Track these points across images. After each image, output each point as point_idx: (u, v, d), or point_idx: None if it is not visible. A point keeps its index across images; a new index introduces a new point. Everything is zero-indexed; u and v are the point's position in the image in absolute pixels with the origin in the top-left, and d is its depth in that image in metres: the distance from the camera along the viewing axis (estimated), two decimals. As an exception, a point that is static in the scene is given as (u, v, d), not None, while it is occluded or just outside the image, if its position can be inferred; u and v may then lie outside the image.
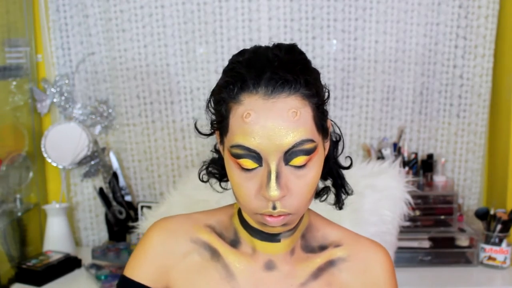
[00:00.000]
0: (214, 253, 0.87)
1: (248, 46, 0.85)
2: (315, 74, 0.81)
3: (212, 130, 0.84)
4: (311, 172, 0.76)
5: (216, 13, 1.96)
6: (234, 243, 0.88)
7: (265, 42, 1.97)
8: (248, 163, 0.75)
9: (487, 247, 1.80)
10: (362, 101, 2.03)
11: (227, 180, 0.91)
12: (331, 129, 0.84)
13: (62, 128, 1.99)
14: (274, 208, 0.75)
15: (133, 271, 0.88)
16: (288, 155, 0.74)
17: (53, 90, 2.02)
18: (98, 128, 2.06)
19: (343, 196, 0.93)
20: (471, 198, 2.09)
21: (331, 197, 0.94)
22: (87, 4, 1.98)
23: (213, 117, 0.82)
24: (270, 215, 0.76)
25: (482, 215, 1.85)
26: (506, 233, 1.80)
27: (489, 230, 1.82)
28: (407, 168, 1.93)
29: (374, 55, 1.99)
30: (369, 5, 1.96)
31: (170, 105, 2.02)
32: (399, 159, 1.76)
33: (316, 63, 1.99)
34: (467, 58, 2.00)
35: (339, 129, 0.90)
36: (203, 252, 0.88)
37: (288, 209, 0.76)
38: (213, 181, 0.94)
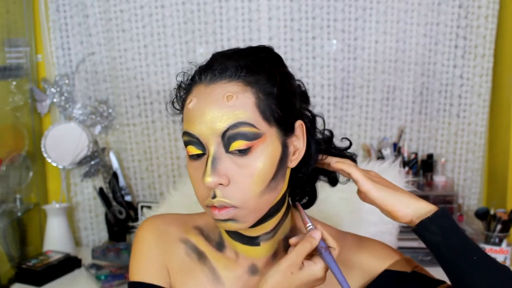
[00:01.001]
0: (201, 256, 0.87)
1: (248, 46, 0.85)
2: (275, 67, 0.79)
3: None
4: (256, 162, 0.74)
5: (216, 13, 1.96)
6: (220, 246, 0.88)
7: (265, 42, 1.97)
8: (191, 149, 0.76)
9: (487, 247, 1.80)
10: (362, 101, 2.03)
11: None
12: (301, 129, 0.81)
13: (62, 128, 1.99)
14: (214, 196, 0.74)
15: (140, 274, 0.87)
16: (226, 140, 0.73)
17: (53, 90, 2.02)
18: (98, 128, 2.06)
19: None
20: (471, 198, 2.09)
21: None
22: (87, 4, 1.98)
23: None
24: (214, 207, 0.75)
25: (482, 215, 1.85)
26: (506, 233, 1.80)
27: (489, 230, 1.82)
28: (407, 168, 1.93)
29: (374, 55, 1.99)
30: (369, 5, 1.96)
31: (170, 105, 2.02)
32: (399, 159, 1.76)
33: (316, 63, 1.99)
34: (467, 58, 2.00)
35: (330, 133, 0.88)
36: (191, 254, 0.87)
37: (230, 200, 0.74)
38: None
